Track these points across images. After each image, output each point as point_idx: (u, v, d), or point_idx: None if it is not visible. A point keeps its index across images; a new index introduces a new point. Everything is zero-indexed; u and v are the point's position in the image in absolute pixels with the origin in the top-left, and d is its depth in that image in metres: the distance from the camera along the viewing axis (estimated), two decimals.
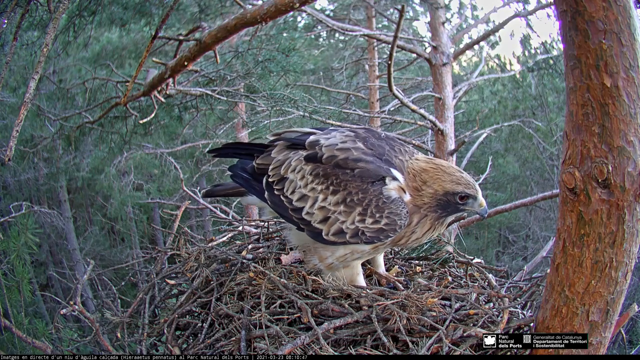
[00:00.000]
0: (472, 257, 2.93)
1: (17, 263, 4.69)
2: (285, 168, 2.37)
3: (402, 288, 2.50)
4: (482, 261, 2.94)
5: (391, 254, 3.07)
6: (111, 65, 8.32)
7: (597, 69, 1.56)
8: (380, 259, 2.72)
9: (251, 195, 2.68)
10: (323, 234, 2.22)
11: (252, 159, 2.60)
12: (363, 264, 2.63)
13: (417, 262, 2.97)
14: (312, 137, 2.37)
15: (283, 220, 2.57)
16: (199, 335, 2.36)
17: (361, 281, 2.47)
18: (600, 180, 1.63)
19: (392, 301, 2.14)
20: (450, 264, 2.92)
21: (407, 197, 2.20)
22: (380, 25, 13.12)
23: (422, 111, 6.33)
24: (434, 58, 7.76)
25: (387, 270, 2.78)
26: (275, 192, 2.39)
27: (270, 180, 2.43)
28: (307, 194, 2.26)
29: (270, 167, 2.44)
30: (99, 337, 2.59)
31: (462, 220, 5.21)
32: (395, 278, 2.64)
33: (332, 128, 2.51)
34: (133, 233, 15.61)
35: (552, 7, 7.61)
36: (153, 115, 4.35)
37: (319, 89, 10.45)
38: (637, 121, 1.59)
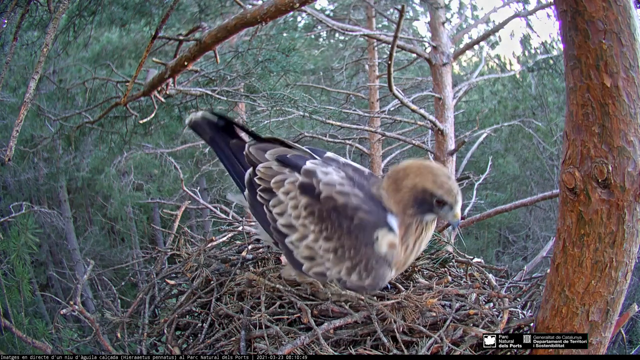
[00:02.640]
0: (472, 257, 2.93)
1: (17, 263, 4.69)
2: (277, 185, 2.22)
3: (402, 288, 2.51)
4: (482, 261, 2.94)
5: None
6: (111, 65, 8.31)
7: (597, 69, 1.56)
8: None
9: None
10: (303, 268, 2.18)
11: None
12: None
13: (416, 261, 2.97)
14: (308, 165, 2.23)
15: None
16: (199, 335, 2.36)
17: None
18: (600, 180, 1.63)
19: (392, 302, 2.15)
20: (450, 263, 2.92)
21: (395, 210, 2.13)
22: (380, 25, 13.12)
23: (422, 111, 6.33)
24: (434, 58, 7.76)
25: None
26: (259, 198, 2.25)
27: (256, 181, 2.27)
28: (297, 226, 2.17)
29: (260, 167, 2.28)
30: (99, 337, 2.59)
31: (462, 220, 5.20)
32: (395, 279, 2.64)
33: (328, 157, 2.37)
34: (133, 233, 15.61)
35: (552, 7, 7.61)
36: (153, 115, 4.34)
37: (319, 89, 10.45)
38: (637, 121, 1.59)
